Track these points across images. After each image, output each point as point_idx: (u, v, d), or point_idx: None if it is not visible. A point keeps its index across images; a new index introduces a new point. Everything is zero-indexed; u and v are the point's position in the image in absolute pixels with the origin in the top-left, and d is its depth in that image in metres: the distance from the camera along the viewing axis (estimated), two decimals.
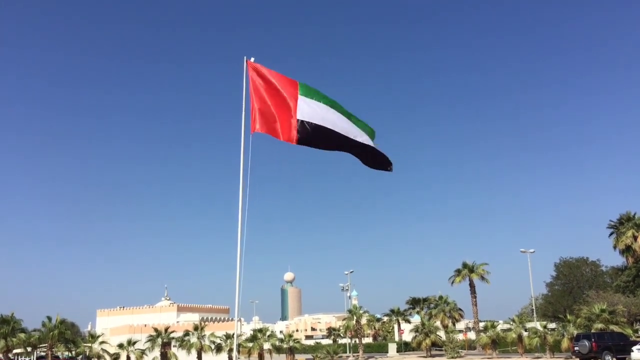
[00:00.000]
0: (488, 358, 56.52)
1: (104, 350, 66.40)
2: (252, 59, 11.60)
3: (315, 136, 10.89)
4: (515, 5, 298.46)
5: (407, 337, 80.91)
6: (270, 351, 66.59)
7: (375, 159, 11.32)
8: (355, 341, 76.84)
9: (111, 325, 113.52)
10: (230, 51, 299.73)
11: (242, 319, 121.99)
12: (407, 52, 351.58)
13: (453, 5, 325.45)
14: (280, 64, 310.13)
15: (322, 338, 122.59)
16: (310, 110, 10.97)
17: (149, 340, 66.55)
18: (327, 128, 10.91)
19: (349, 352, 76.92)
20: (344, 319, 78.81)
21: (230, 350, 64.92)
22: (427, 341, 61.48)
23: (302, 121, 10.87)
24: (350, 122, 11.14)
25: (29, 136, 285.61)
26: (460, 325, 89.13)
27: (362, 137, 11.14)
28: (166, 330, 68.75)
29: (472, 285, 70.39)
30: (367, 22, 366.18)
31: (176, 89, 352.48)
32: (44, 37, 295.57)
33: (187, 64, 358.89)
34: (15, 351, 67.87)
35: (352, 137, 11.01)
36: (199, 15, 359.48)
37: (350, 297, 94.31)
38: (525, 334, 54.84)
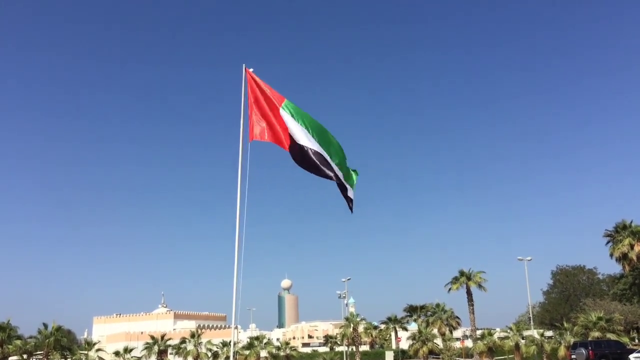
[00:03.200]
0: None
1: (100, 358, 66.17)
2: (252, 70, 11.78)
3: (300, 155, 11.16)
4: (517, 6, 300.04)
5: (405, 344, 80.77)
6: (267, 359, 66.47)
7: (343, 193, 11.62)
8: (352, 349, 76.68)
9: (108, 333, 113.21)
10: (230, 57, 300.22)
11: (239, 326, 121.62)
12: (407, 54, 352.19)
13: (455, 6, 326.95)
14: (279, 69, 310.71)
15: (319, 346, 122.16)
16: (292, 128, 11.24)
17: (145, 348, 66.36)
18: (308, 151, 11.16)
19: None
20: (341, 327, 78.64)
21: (227, 358, 64.77)
22: (425, 349, 61.40)
23: (290, 136, 11.16)
24: (325, 155, 11.29)
25: (27, 138, 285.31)
26: (458, 333, 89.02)
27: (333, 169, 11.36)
28: (163, 337, 68.52)
29: (469, 293, 70.41)
30: (368, 24, 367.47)
31: (175, 93, 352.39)
32: (45, 39, 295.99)
33: (187, 68, 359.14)
34: (11, 358, 67.56)
35: (324, 169, 11.23)
36: (200, 20, 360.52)
37: (347, 305, 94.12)
38: (522, 342, 54.81)
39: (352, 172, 11.72)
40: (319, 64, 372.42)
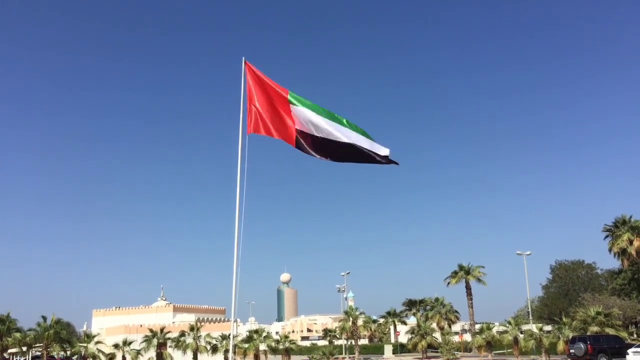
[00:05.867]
0: None
1: (100, 351, 66.19)
2: (251, 63, 11.69)
3: (310, 144, 10.97)
4: (515, 6, 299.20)
5: (403, 338, 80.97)
6: (266, 352, 66.53)
7: (375, 155, 10.91)
8: (351, 342, 76.84)
9: (107, 325, 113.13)
10: (230, 52, 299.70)
11: (238, 319, 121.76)
12: (407, 53, 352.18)
13: (454, 5, 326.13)
14: (279, 66, 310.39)
15: (318, 339, 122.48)
16: (301, 119, 11.08)
17: (144, 341, 66.35)
18: (319, 137, 10.99)
19: (345, 354, 76.90)
20: (340, 320, 78.79)
21: (226, 351, 64.84)
22: (423, 343, 61.49)
23: (299, 130, 11.03)
24: (339, 125, 11.00)
25: (28, 135, 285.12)
26: (456, 327, 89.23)
27: (354, 137, 10.90)
28: (162, 330, 68.52)
29: (468, 287, 70.57)
30: (369, 23, 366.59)
31: (174, 90, 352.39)
32: (45, 37, 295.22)
33: (185, 64, 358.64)
34: (10, 350, 67.66)
35: (345, 140, 10.84)
36: (199, 16, 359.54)
37: (346, 299, 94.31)
38: (521, 336, 54.91)
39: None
40: (318, 60, 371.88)
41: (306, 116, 11.09)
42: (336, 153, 11.00)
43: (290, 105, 11.18)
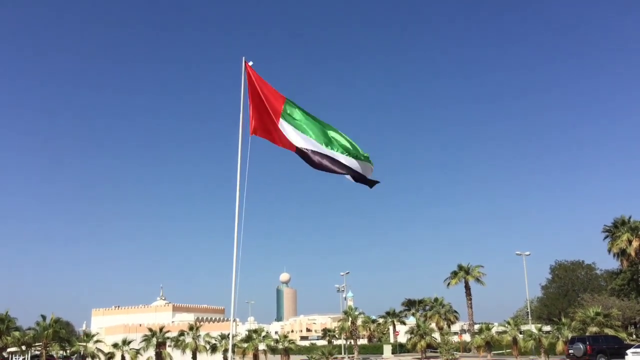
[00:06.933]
0: None
1: (99, 350, 66.19)
2: (251, 63, 11.64)
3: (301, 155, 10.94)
4: (515, 7, 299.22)
5: (403, 338, 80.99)
6: (265, 352, 66.51)
7: (357, 174, 10.92)
8: (350, 342, 76.86)
9: (106, 325, 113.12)
10: (230, 52, 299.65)
11: (238, 319, 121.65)
12: (406, 53, 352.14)
13: (454, 7, 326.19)
14: (278, 66, 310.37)
15: (317, 339, 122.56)
16: (289, 134, 11.06)
17: (143, 340, 66.33)
18: (305, 151, 10.91)
19: (344, 354, 76.91)
20: (339, 320, 78.81)
21: (226, 351, 64.79)
22: (422, 343, 61.44)
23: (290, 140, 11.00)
24: (327, 149, 10.87)
25: (27, 135, 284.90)
26: (456, 327, 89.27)
27: (343, 159, 10.81)
28: (161, 330, 68.51)
29: (467, 287, 70.61)
30: (370, 23, 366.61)
31: (175, 90, 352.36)
32: (45, 37, 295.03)
33: (186, 64, 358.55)
34: (9, 350, 67.58)
35: (327, 164, 10.79)
36: (199, 15, 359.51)
37: (345, 299, 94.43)
38: (520, 336, 54.89)
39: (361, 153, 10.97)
40: (317, 60, 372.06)
41: (293, 134, 10.99)
42: (320, 165, 10.90)
43: (281, 119, 11.09)
